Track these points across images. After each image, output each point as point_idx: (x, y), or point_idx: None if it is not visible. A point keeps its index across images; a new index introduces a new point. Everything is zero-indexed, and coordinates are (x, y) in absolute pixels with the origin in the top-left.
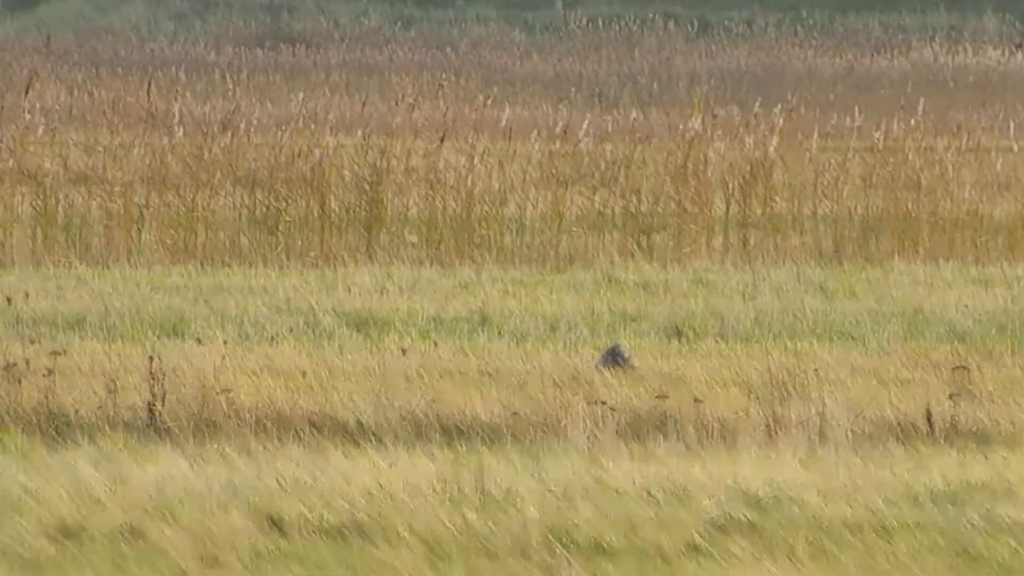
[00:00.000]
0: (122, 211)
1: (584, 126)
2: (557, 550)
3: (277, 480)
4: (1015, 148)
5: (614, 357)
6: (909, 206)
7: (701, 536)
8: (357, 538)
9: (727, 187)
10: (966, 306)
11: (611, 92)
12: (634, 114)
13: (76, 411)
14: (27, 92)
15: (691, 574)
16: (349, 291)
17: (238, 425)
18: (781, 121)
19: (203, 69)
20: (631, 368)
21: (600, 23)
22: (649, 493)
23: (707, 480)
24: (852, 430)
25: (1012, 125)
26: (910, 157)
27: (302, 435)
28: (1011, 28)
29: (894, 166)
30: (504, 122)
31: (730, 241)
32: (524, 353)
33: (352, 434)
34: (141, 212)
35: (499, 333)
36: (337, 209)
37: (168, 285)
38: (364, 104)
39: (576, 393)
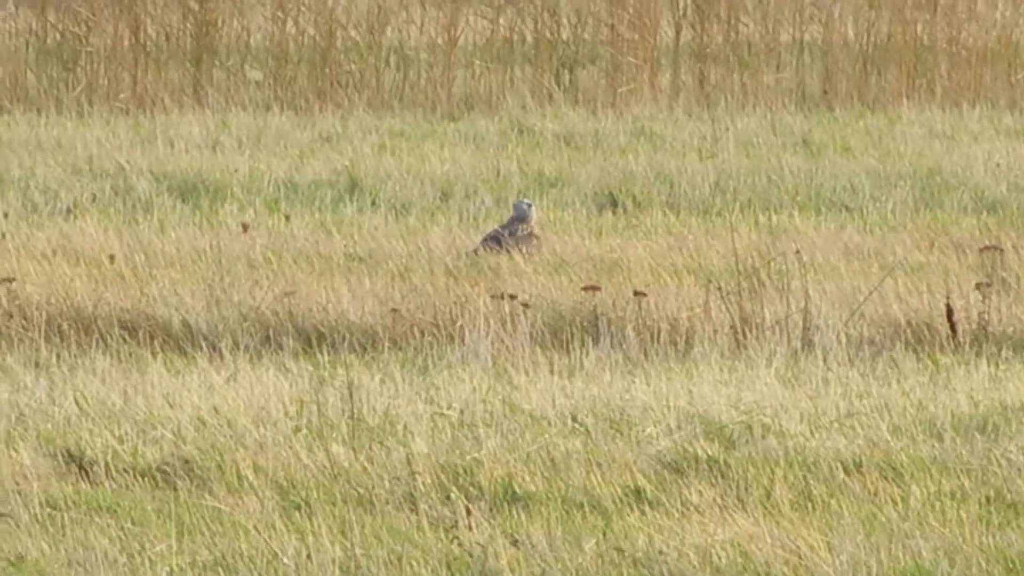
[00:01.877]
0: None
1: None
2: (452, 495)
3: (77, 403)
4: None
5: (512, 230)
6: (921, 31)
7: (646, 477)
8: (185, 481)
9: (677, 6)
10: (998, 165)
11: None
12: None
13: None
14: None
15: (632, 528)
16: (171, 146)
17: (24, 328)
18: None
19: None
20: (534, 239)
21: None
22: (575, 419)
23: (653, 402)
24: (847, 334)
25: None
26: None
27: (109, 341)
28: None
29: None
30: None
31: (682, 79)
32: (406, 230)
33: (177, 339)
34: None
35: (372, 203)
36: (155, 36)
37: None
38: None
39: (476, 284)
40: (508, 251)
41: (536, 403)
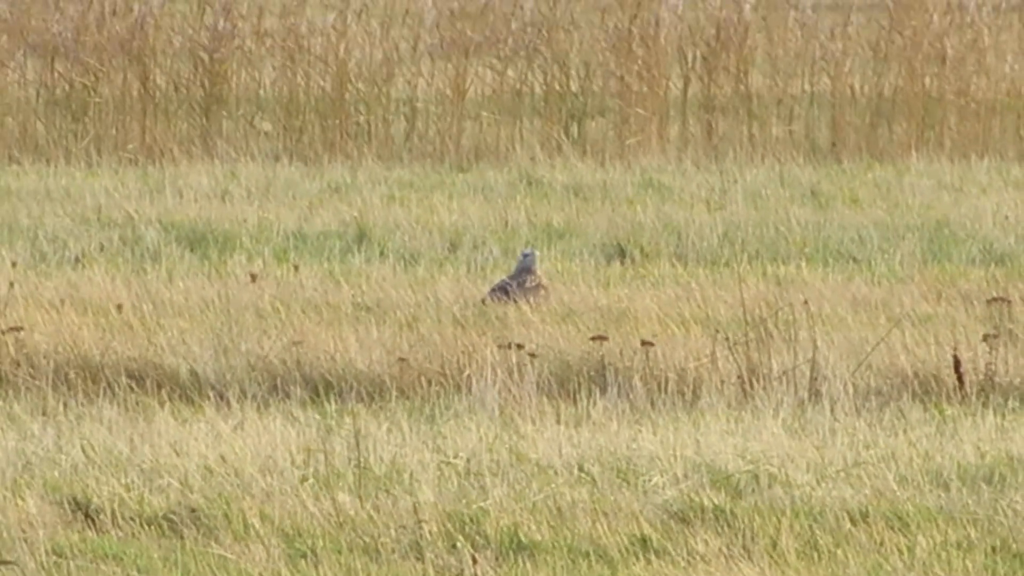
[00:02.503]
0: None
1: None
2: (458, 544)
3: (84, 451)
4: None
5: (520, 280)
6: (930, 84)
7: (652, 526)
8: (191, 529)
9: (686, 58)
10: (1006, 217)
11: None
12: None
13: None
14: None
15: None
16: (180, 196)
17: (31, 376)
18: None
19: None
20: (542, 290)
21: None
22: (581, 469)
23: (660, 452)
24: (854, 384)
25: None
26: (933, 19)
27: (116, 390)
28: None
29: (912, 30)
30: None
31: (690, 131)
32: (414, 280)
33: (185, 388)
34: None
35: (381, 253)
36: (164, 87)
37: None
38: None
39: (484, 333)
40: (515, 301)
41: (543, 452)
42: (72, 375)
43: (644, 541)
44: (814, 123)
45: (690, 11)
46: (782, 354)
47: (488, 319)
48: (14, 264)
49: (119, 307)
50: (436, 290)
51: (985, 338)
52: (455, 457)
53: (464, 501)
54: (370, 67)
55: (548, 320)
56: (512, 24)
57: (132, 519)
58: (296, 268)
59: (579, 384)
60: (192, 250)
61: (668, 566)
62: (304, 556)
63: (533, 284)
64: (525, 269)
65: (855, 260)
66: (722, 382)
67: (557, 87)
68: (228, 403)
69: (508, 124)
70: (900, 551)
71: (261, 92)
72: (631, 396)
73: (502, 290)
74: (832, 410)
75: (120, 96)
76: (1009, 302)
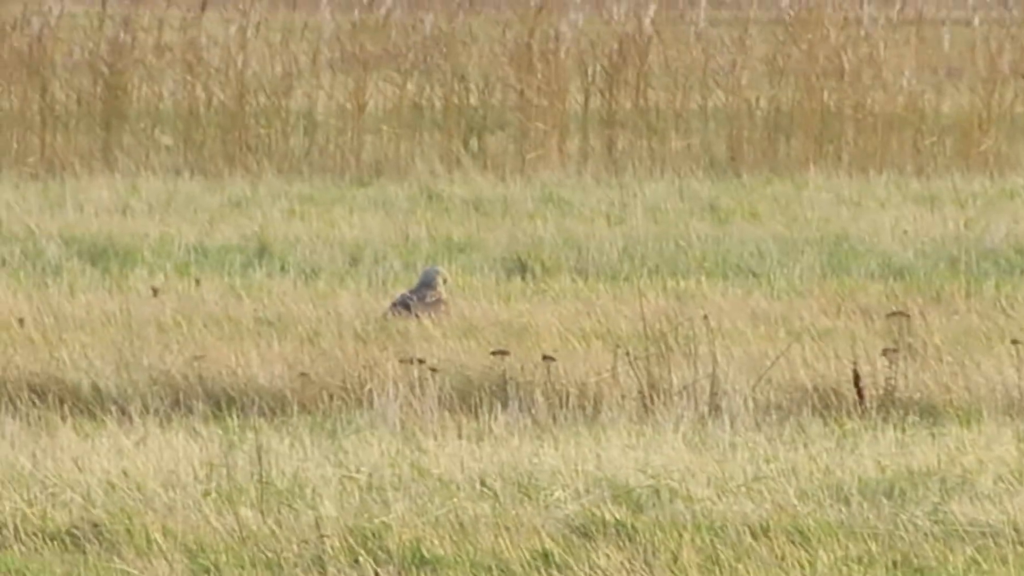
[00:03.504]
0: None
1: None
2: (361, 559)
3: None
4: (975, 21)
5: (420, 295)
6: (828, 98)
7: (554, 541)
8: (94, 544)
9: (586, 73)
10: (905, 232)
11: None
12: None
13: None
14: None
15: None
16: (81, 210)
17: None
18: None
19: None
20: (442, 305)
21: None
22: (483, 483)
23: (561, 466)
24: (754, 399)
25: None
26: (830, 33)
27: (18, 404)
28: None
29: (809, 44)
30: None
31: (590, 145)
32: (316, 294)
33: (86, 403)
34: None
35: (282, 267)
36: (64, 100)
37: None
38: None
39: (385, 348)
40: (417, 316)
41: (444, 467)
42: None
43: (546, 556)
44: (713, 137)
45: (590, 25)
46: (682, 369)
47: (389, 334)
48: None
49: (20, 321)
50: (337, 304)
51: (884, 352)
52: (357, 472)
53: (366, 516)
54: (270, 80)
55: (449, 335)
56: (411, 38)
57: (35, 534)
58: (198, 282)
59: (480, 399)
60: (93, 264)
61: None
62: (207, 571)
63: (434, 299)
64: (425, 284)
65: (754, 274)
66: (623, 397)
67: (457, 101)
68: (130, 418)
69: (408, 138)
70: (801, 566)
71: (161, 105)
72: (532, 411)
73: (403, 304)
74: (732, 424)
75: (20, 110)
76: (908, 316)
